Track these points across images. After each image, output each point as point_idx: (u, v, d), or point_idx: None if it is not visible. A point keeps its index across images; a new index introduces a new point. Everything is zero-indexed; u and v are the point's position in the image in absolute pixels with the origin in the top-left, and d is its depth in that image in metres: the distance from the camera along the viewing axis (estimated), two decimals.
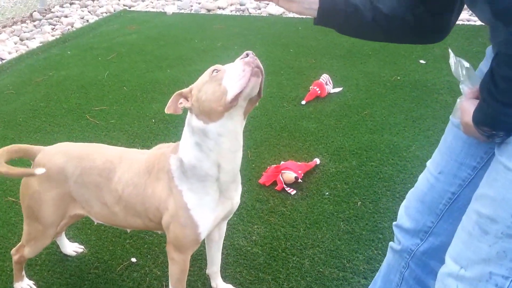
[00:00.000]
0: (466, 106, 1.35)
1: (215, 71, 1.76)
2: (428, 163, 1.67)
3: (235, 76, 1.68)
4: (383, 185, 3.15)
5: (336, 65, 5.17)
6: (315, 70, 5.00)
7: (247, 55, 1.69)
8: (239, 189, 2.04)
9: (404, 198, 1.81)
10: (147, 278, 2.56)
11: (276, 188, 3.20)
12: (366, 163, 3.37)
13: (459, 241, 1.34)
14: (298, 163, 3.37)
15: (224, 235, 2.35)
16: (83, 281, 2.55)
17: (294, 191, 3.17)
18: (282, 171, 3.23)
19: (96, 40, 6.35)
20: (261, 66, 1.70)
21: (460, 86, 1.45)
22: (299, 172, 3.25)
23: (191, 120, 1.82)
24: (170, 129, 4.00)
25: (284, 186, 3.20)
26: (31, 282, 2.50)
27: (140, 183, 1.99)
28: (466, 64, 1.43)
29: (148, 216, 2.02)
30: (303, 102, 4.37)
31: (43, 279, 2.57)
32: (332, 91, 4.50)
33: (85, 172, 2.07)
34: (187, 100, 1.83)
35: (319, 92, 4.36)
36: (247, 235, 2.81)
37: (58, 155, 2.11)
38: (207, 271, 2.47)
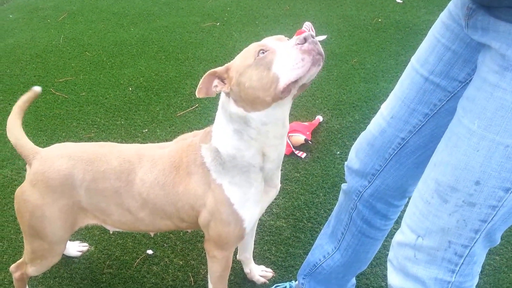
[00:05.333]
0: None
1: (262, 51, 1.43)
2: (383, 106, 1.63)
3: (291, 63, 1.37)
4: None
5: (311, 10, 4.91)
6: (292, 17, 4.74)
7: (305, 40, 1.36)
8: (280, 174, 1.82)
9: None
10: (170, 270, 2.31)
11: (284, 152, 2.97)
12: (369, 115, 3.26)
13: (416, 210, 1.30)
14: (303, 123, 3.15)
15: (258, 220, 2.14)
16: (98, 284, 2.26)
17: (304, 154, 2.99)
18: (289, 134, 3.01)
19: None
20: (323, 52, 1.39)
21: None
22: (307, 133, 3.04)
23: (228, 106, 1.54)
24: (152, 97, 3.63)
25: (293, 149, 2.99)
26: None
27: (167, 182, 1.73)
28: None
29: (181, 216, 1.78)
30: None
31: None
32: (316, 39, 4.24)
33: (99, 177, 1.76)
34: (223, 83, 1.53)
35: None
36: (267, 208, 2.60)
37: (61, 159, 1.77)
38: (238, 257, 2.27)
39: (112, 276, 2.29)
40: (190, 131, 1.78)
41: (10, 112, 3.39)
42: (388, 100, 1.61)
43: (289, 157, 2.97)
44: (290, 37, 1.51)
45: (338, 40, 4.33)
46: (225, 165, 1.63)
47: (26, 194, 1.78)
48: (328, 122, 3.27)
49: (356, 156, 1.72)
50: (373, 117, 1.67)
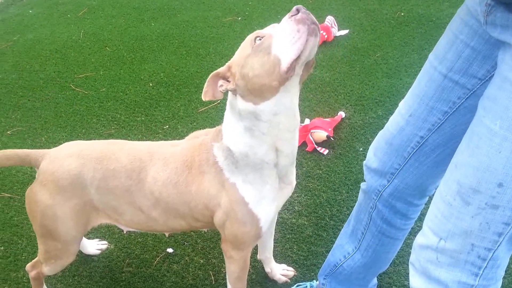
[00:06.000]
0: None
1: (258, 38, 1.43)
2: (401, 103, 1.61)
3: (288, 39, 1.36)
4: None
5: (334, 4, 4.83)
6: (314, 11, 4.64)
7: (298, 11, 1.35)
8: (295, 170, 1.78)
9: None
10: (190, 269, 2.28)
11: (306, 149, 2.96)
12: (392, 111, 3.10)
13: (438, 212, 1.28)
14: (325, 119, 3.10)
15: (276, 219, 2.12)
16: (117, 283, 2.24)
17: (327, 151, 2.93)
18: (312, 131, 2.96)
19: None
20: (317, 21, 1.37)
21: None
22: (329, 129, 2.98)
23: (236, 103, 1.51)
24: (173, 93, 3.60)
25: (315, 146, 2.94)
26: None
27: (180, 181, 1.69)
28: None
29: (194, 216, 1.75)
30: None
31: (69, 287, 2.23)
32: (338, 34, 4.22)
33: (109, 176, 1.73)
34: (228, 81, 1.51)
35: (326, 36, 4.05)
36: (289, 206, 2.59)
37: (70, 158, 1.75)
38: (258, 257, 2.24)
39: (131, 275, 2.27)
40: (212, 128, 1.74)
41: (29, 108, 3.42)
42: (406, 98, 1.59)
43: (311, 154, 2.93)
44: None
45: (361, 35, 4.26)
46: (238, 163, 1.60)
47: (36, 194, 1.76)
48: (350, 118, 3.22)
49: (375, 155, 1.70)
50: None
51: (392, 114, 1.64)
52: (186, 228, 1.84)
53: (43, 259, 1.92)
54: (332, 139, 2.96)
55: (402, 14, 4.54)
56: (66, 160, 1.74)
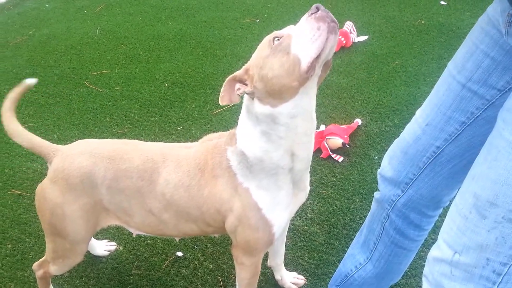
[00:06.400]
0: None
1: (276, 39, 1.39)
2: (418, 112, 1.59)
3: (308, 37, 1.33)
4: None
5: (354, 9, 4.79)
6: (334, 16, 4.57)
7: (318, 9, 1.32)
8: (309, 176, 1.75)
9: None
10: (199, 274, 2.24)
11: (321, 156, 2.91)
12: (409, 120, 3.04)
13: (454, 225, 1.24)
14: (341, 126, 3.05)
15: (288, 225, 2.07)
16: (125, 285, 2.20)
17: (342, 158, 2.89)
18: (327, 137, 2.92)
19: None
20: (336, 20, 1.34)
21: None
22: (345, 136, 2.94)
23: (253, 107, 1.47)
24: (188, 94, 3.56)
25: (330, 153, 2.89)
26: None
27: (192, 184, 1.66)
28: None
29: (206, 220, 1.71)
30: None
31: None
32: (357, 39, 4.17)
33: (121, 175, 1.69)
34: (245, 84, 1.48)
35: (344, 41, 4.01)
36: (301, 213, 2.55)
37: (81, 156, 1.71)
38: (268, 263, 2.20)
39: (140, 278, 2.23)
40: (227, 130, 1.71)
41: (42, 104, 3.39)
42: (423, 107, 1.57)
43: (326, 161, 2.89)
44: None
45: (380, 41, 4.21)
46: (252, 168, 1.56)
47: (46, 191, 1.73)
48: (367, 126, 3.17)
49: (389, 163, 1.68)
50: None
51: (412, 119, 1.61)
52: (197, 233, 1.80)
53: (50, 258, 1.89)
54: (348, 146, 2.91)
55: (423, 22, 4.49)
56: (78, 158, 1.71)
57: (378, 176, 1.75)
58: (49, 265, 1.91)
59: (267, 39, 1.43)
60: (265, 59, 1.40)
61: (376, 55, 4.00)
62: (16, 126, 1.82)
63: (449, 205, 1.33)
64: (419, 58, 3.93)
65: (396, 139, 1.67)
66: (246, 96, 1.50)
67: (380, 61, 3.92)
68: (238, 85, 1.48)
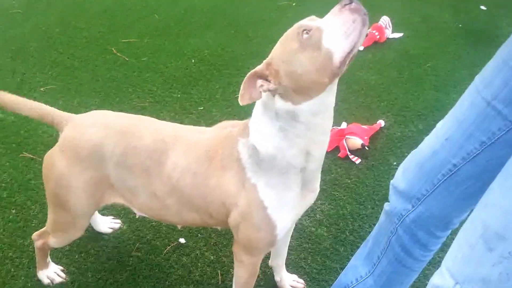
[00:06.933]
0: None
1: (305, 32, 1.32)
2: (439, 124, 1.54)
3: (342, 31, 1.27)
4: None
5: (394, 4, 4.67)
6: (371, 8, 4.42)
7: (351, 0, 1.27)
8: (320, 176, 1.68)
9: None
10: (199, 264, 2.23)
11: (338, 155, 2.86)
12: (433, 127, 3.00)
13: (459, 253, 1.22)
14: (363, 126, 2.99)
15: (294, 226, 2.02)
16: (123, 267, 2.19)
17: (359, 160, 2.84)
18: (347, 136, 2.86)
19: None
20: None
21: None
22: (365, 137, 2.88)
23: (274, 103, 1.41)
24: (214, 73, 3.53)
25: (348, 153, 2.84)
26: (58, 269, 2.12)
27: (200, 172, 1.61)
28: None
29: (209, 211, 1.66)
30: (361, 48, 3.87)
31: (74, 263, 2.19)
32: (391, 36, 4.08)
33: (130, 152, 1.65)
34: (268, 81, 1.39)
35: (378, 36, 3.92)
36: (310, 213, 2.50)
37: (93, 128, 1.68)
38: (270, 263, 2.16)
39: (139, 261, 2.22)
40: (247, 117, 1.62)
41: (67, 67, 3.36)
42: (446, 119, 1.52)
43: (342, 161, 2.83)
44: None
45: (414, 41, 4.11)
46: (262, 164, 1.51)
47: (54, 160, 1.71)
48: (389, 128, 3.11)
49: (403, 175, 1.63)
50: None
51: (432, 130, 1.55)
52: (198, 223, 1.77)
53: (51, 229, 1.88)
54: (367, 148, 2.86)
55: (460, 25, 4.37)
56: (89, 129, 1.68)
57: (391, 187, 1.70)
58: (49, 236, 1.91)
59: (293, 31, 1.36)
60: (293, 54, 1.33)
61: (409, 55, 3.91)
62: (15, 97, 1.81)
63: (458, 227, 1.30)
64: (452, 63, 3.84)
65: (414, 150, 1.62)
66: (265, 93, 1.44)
67: (412, 61, 3.83)
68: (260, 82, 1.40)
